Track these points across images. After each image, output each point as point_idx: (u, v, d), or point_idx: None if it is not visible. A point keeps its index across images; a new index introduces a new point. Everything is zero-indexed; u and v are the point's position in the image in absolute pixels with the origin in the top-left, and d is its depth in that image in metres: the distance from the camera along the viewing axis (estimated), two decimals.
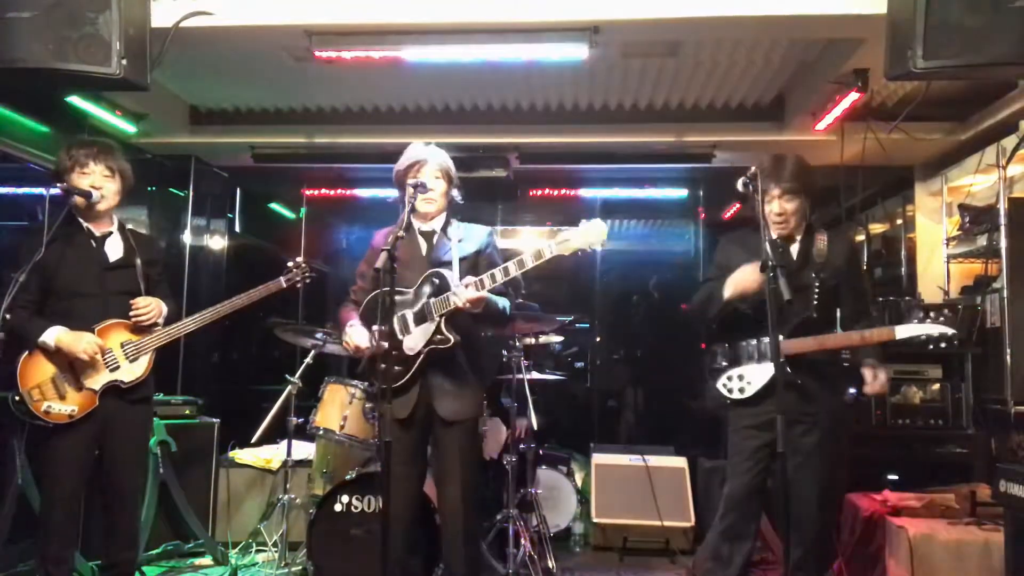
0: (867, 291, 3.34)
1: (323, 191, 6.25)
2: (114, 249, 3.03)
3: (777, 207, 2.93)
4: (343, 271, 6.82)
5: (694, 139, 4.88)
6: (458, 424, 2.87)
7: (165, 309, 3.09)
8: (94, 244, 2.99)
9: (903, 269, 5.23)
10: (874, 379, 2.94)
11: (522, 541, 3.88)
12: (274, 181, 6.38)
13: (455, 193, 3.02)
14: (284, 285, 3.37)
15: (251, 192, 6.48)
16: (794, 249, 3.02)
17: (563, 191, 6.12)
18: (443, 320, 2.79)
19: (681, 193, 6.16)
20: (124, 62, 2.89)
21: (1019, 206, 3.80)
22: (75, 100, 4.23)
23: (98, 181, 2.94)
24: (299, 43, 3.45)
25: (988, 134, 4.21)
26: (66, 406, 2.85)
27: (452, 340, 2.79)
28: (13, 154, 4.19)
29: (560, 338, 4.95)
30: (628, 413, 6.75)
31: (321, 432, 3.87)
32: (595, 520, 4.61)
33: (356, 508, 3.50)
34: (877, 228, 5.76)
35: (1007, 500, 2.69)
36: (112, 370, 2.92)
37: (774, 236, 2.96)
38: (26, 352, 2.85)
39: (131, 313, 2.96)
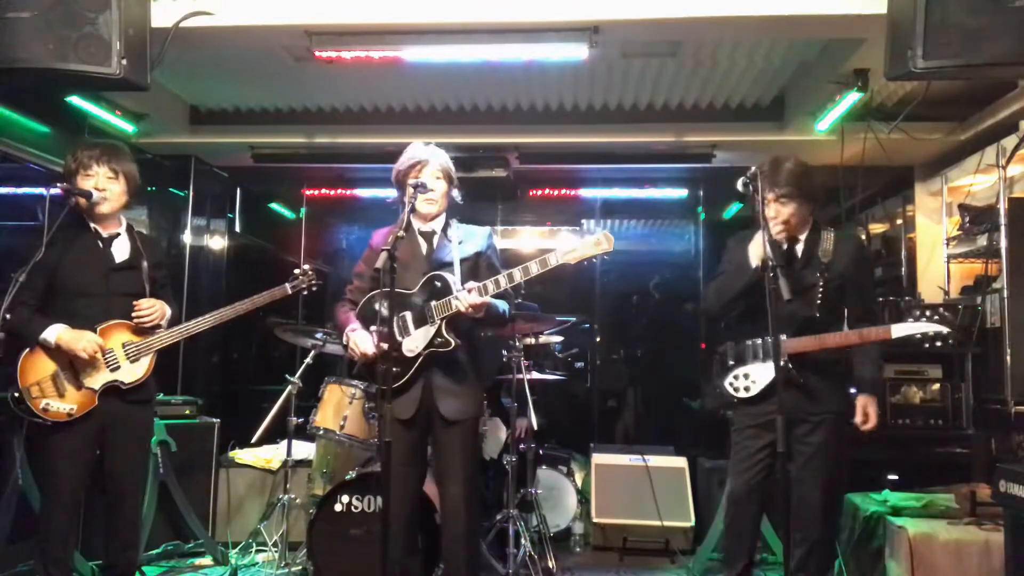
0: (873, 296, 3.35)
1: (323, 191, 6.25)
2: (121, 250, 3.03)
3: (773, 211, 2.93)
4: (343, 271, 6.81)
5: (694, 139, 4.88)
6: (459, 424, 2.86)
7: (169, 312, 3.09)
8: (101, 245, 2.99)
9: (903, 269, 5.23)
10: (864, 419, 2.98)
11: (522, 541, 3.89)
12: (274, 181, 6.39)
13: (455, 194, 3.02)
14: (289, 292, 3.35)
15: (251, 192, 6.49)
16: (798, 248, 3.02)
17: (563, 191, 6.12)
18: (444, 323, 2.79)
19: (681, 193, 6.16)
20: (124, 62, 2.89)
21: (1019, 206, 3.80)
22: (75, 100, 4.23)
23: (101, 183, 2.94)
24: (299, 43, 3.45)
25: (988, 134, 4.21)
26: (65, 404, 2.85)
27: (453, 343, 2.79)
28: (13, 154, 4.19)
29: (560, 338, 4.94)
30: (628, 413, 6.75)
31: (321, 432, 3.87)
32: (595, 520, 4.61)
33: (356, 508, 3.50)
34: (877, 228, 5.76)
35: (1007, 500, 2.68)
36: (113, 370, 2.92)
37: (775, 236, 2.97)
38: (27, 349, 2.85)
39: (134, 315, 2.96)
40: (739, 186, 2.75)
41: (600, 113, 4.93)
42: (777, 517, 3.16)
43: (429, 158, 2.93)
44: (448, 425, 2.85)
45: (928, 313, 2.82)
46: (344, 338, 2.91)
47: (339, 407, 3.86)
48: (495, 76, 4.39)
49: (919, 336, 2.79)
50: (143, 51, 3.04)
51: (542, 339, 4.63)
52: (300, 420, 4.01)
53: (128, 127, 4.65)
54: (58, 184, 2.96)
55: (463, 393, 2.88)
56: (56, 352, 2.85)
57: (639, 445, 5.28)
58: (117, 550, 3.01)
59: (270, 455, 4.63)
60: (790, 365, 2.87)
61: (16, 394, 2.81)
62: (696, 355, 6.20)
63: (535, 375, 4.33)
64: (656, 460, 4.72)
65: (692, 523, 4.52)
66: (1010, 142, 3.88)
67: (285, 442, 4.12)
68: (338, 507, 3.50)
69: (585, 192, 6.21)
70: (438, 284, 2.84)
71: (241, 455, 4.67)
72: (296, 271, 3.44)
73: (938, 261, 4.72)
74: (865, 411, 2.98)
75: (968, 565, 3.07)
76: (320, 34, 3.37)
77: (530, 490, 4.17)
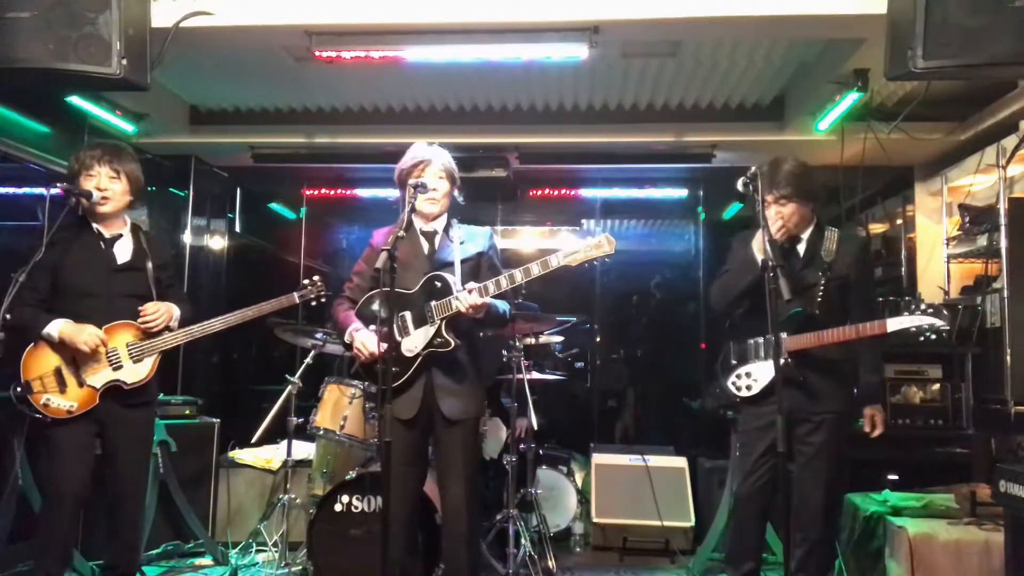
0: (874, 295, 3.36)
1: (323, 191, 6.25)
2: (123, 251, 3.03)
3: (774, 212, 2.94)
4: (343, 271, 6.81)
5: (694, 139, 4.88)
6: (460, 423, 2.86)
7: (177, 313, 3.08)
8: (103, 245, 2.99)
9: (903, 269, 5.23)
10: (872, 428, 3.02)
11: (522, 541, 3.89)
12: (274, 181, 6.38)
13: (457, 194, 3.02)
14: (297, 301, 3.36)
15: (251, 192, 6.48)
16: (800, 247, 3.03)
17: (563, 191, 6.12)
18: (443, 323, 2.78)
19: (681, 193, 6.16)
20: (124, 62, 2.89)
21: (1019, 206, 3.80)
22: (75, 100, 4.23)
23: (103, 183, 2.94)
24: (299, 43, 3.45)
25: (988, 134, 4.21)
26: (66, 401, 2.84)
27: (452, 344, 2.79)
28: (13, 154, 4.19)
29: (560, 338, 4.94)
30: (628, 413, 6.75)
31: (321, 432, 3.87)
32: (595, 520, 4.61)
33: (356, 508, 3.50)
34: (877, 228, 5.76)
35: (1007, 500, 2.69)
36: (115, 369, 2.92)
37: (775, 236, 2.97)
38: (31, 344, 2.85)
39: (140, 320, 2.97)
40: (739, 186, 2.75)
41: (600, 113, 4.93)
42: (777, 517, 3.16)
43: (432, 158, 2.93)
44: (450, 425, 2.85)
45: (923, 306, 2.81)
46: (347, 337, 2.90)
47: (339, 407, 3.86)
48: (495, 76, 4.39)
49: (914, 329, 2.79)
50: (143, 51, 3.04)
51: (542, 339, 4.63)
52: (300, 420, 4.02)
53: (128, 127, 4.65)
54: (58, 184, 2.97)
55: (464, 393, 2.88)
56: (59, 347, 2.85)
57: (639, 445, 5.28)
58: (118, 551, 3.01)
59: (270, 455, 4.64)
60: (790, 362, 2.87)
61: (18, 388, 2.81)
62: (696, 355, 6.20)
63: (535, 375, 4.33)
64: (656, 460, 4.72)
65: (692, 523, 4.52)
66: (1010, 142, 3.88)
67: (285, 442, 4.12)
68: (338, 507, 3.50)
69: (585, 192, 6.21)
70: (438, 284, 2.84)
71: (241, 455, 4.67)
72: (305, 281, 3.46)
73: (938, 261, 4.72)
74: (873, 421, 3.03)
75: (968, 565, 3.07)
76: (320, 34, 3.37)
77: (530, 490, 4.17)
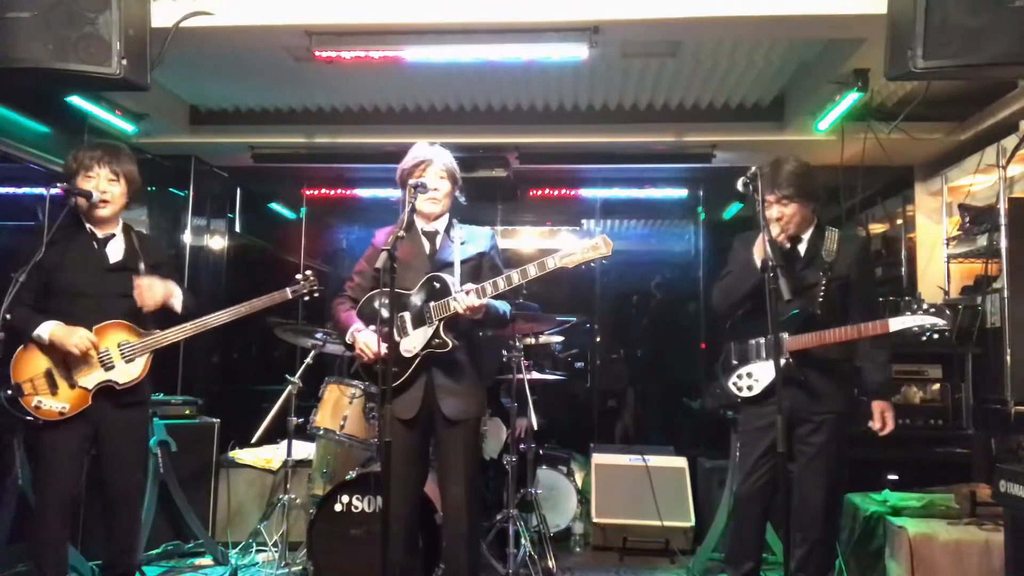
0: (875, 295, 3.36)
1: (323, 191, 6.25)
2: (116, 251, 3.01)
3: (776, 212, 2.95)
4: (343, 271, 6.81)
5: (694, 139, 4.88)
6: (461, 424, 2.86)
7: (178, 291, 3.03)
8: (96, 246, 2.98)
9: (903, 269, 5.23)
10: (882, 425, 2.99)
11: (522, 541, 3.89)
12: (274, 181, 6.39)
13: (458, 194, 3.02)
14: (290, 296, 3.29)
15: (251, 192, 6.49)
16: (801, 248, 3.03)
17: (563, 191, 6.12)
18: (442, 324, 2.78)
19: (681, 193, 6.16)
20: (124, 62, 2.89)
21: (1019, 206, 3.80)
22: (75, 100, 4.23)
23: (103, 185, 2.93)
24: (299, 43, 3.45)
25: (988, 134, 4.21)
26: (57, 403, 2.83)
27: (450, 344, 2.79)
28: (13, 154, 4.19)
29: (560, 338, 4.95)
30: (628, 413, 6.75)
31: (321, 432, 3.87)
32: (595, 520, 4.61)
33: (356, 508, 3.50)
34: (877, 228, 5.76)
35: (1007, 500, 2.69)
36: (107, 369, 2.90)
37: (776, 237, 2.99)
38: (21, 345, 2.83)
39: (135, 293, 2.91)
40: (739, 186, 2.75)
41: (600, 113, 4.93)
42: (777, 517, 3.16)
43: (433, 158, 2.93)
44: (450, 425, 2.85)
45: (925, 306, 2.81)
46: (348, 337, 2.90)
47: (339, 407, 3.86)
48: (495, 76, 4.39)
49: (916, 329, 2.79)
50: (143, 51, 3.04)
51: (542, 339, 4.63)
52: (300, 420, 4.01)
53: (128, 127, 4.65)
54: (58, 184, 2.95)
55: (465, 393, 2.88)
56: (50, 349, 2.83)
57: (639, 445, 5.28)
58: (117, 551, 2.99)
59: (270, 455, 4.64)
60: (791, 361, 2.87)
61: (8, 391, 2.78)
62: (696, 355, 6.20)
63: (535, 375, 4.33)
64: (656, 460, 4.72)
65: (692, 523, 4.53)
66: (1010, 142, 3.88)
67: (285, 442, 4.12)
68: (338, 507, 3.50)
69: (585, 192, 6.21)
70: (437, 285, 2.84)
71: (241, 455, 4.67)
72: (297, 276, 3.37)
73: (938, 261, 4.72)
74: (883, 416, 3.00)
75: (968, 565, 3.07)
76: (320, 34, 3.37)
77: (530, 490, 4.17)
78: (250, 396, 5.73)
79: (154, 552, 4.13)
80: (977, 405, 4.02)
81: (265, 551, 4.22)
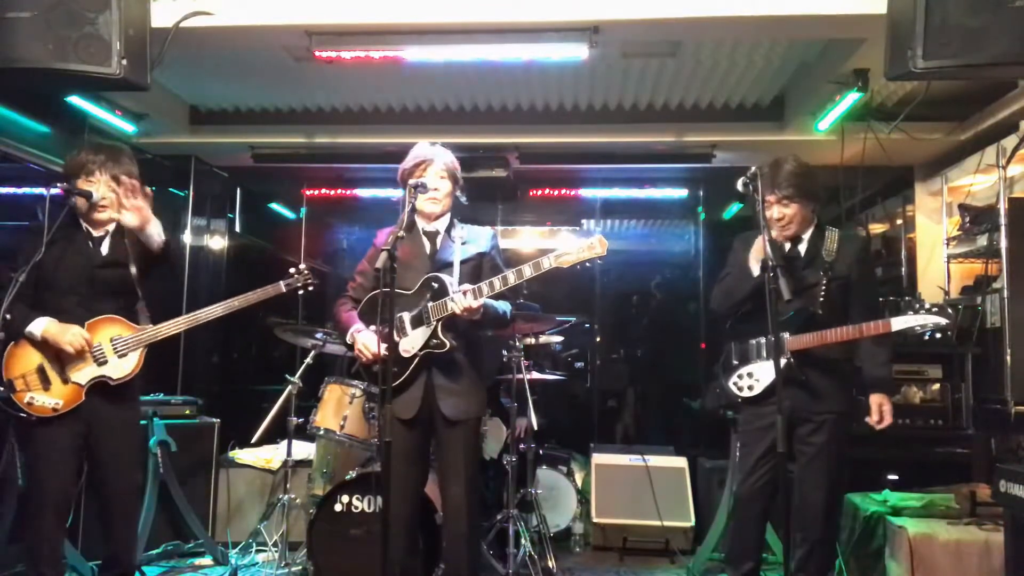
0: (875, 295, 3.36)
1: (323, 191, 6.25)
2: (107, 248, 2.98)
3: (776, 212, 2.96)
4: (343, 271, 6.82)
5: (694, 139, 4.88)
6: (461, 424, 2.86)
7: (158, 223, 2.92)
8: (91, 244, 2.96)
9: (903, 269, 5.23)
10: (879, 418, 2.98)
11: (522, 541, 3.89)
12: (274, 181, 6.39)
13: (459, 194, 3.02)
14: (284, 290, 3.25)
15: (251, 192, 6.49)
16: (802, 247, 3.03)
17: (563, 191, 6.12)
18: (440, 324, 2.78)
19: (681, 193, 6.16)
20: (124, 62, 2.89)
21: (1019, 206, 3.80)
22: (75, 100, 4.23)
23: (103, 189, 2.90)
24: (299, 43, 3.45)
25: (988, 134, 4.21)
26: (50, 399, 2.81)
27: (448, 345, 2.78)
28: (13, 154, 4.19)
29: (560, 338, 4.95)
30: (628, 413, 6.75)
31: (321, 432, 3.87)
32: (595, 520, 4.61)
33: (356, 508, 3.50)
34: (877, 228, 5.76)
35: (1007, 500, 2.69)
36: (100, 364, 2.87)
37: (776, 237, 3.01)
38: (11, 342, 2.81)
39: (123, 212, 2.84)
40: (739, 186, 2.76)
41: (600, 113, 4.93)
42: (777, 517, 3.16)
43: (433, 157, 2.93)
44: (450, 425, 2.85)
45: (928, 305, 2.81)
46: (349, 338, 2.91)
47: (339, 407, 3.86)
48: (495, 76, 4.39)
49: (919, 328, 2.79)
50: (143, 51, 3.04)
51: (542, 339, 4.63)
52: (300, 420, 4.01)
53: (128, 127, 4.65)
54: (58, 184, 2.94)
55: (465, 393, 2.88)
56: (42, 345, 2.82)
57: (639, 445, 5.29)
58: (116, 550, 2.97)
59: (270, 455, 4.64)
60: (792, 361, 2.88)
61: (0, 387, 2.76)
62: (696, 355, 6.20)
63: (535, 375, 4.33)
64: (656, 460, 4.72)
65: (692, 523, 4.53)
66: (1010, 142, 3.88)
67: (285, 442, 4.12)
68: (338, 507, 3.50)
69: (585, 192, 6.21)
70: (435, 285, 2.84)
71: (241, 455, 4.67)
72: (291, 269, 3.33)
73: (938, 261, 4.72)
74: (881, 409, 2.98)
75: (968, 565, 3.07)
76: (320, 34, 3.37)
77: (530, 490, 4.17)
78: (250, 396, 5.73)
79: (154, 552, 4.13)
80: (977, 405, 4.02)
81: (265, 551, 4.22)
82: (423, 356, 2.82)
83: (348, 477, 3.62)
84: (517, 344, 4.10)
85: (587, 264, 2.71)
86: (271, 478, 4.57)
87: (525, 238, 6.94)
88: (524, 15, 3.26)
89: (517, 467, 3.99)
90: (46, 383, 2.83)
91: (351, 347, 2.92)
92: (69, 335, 2.80)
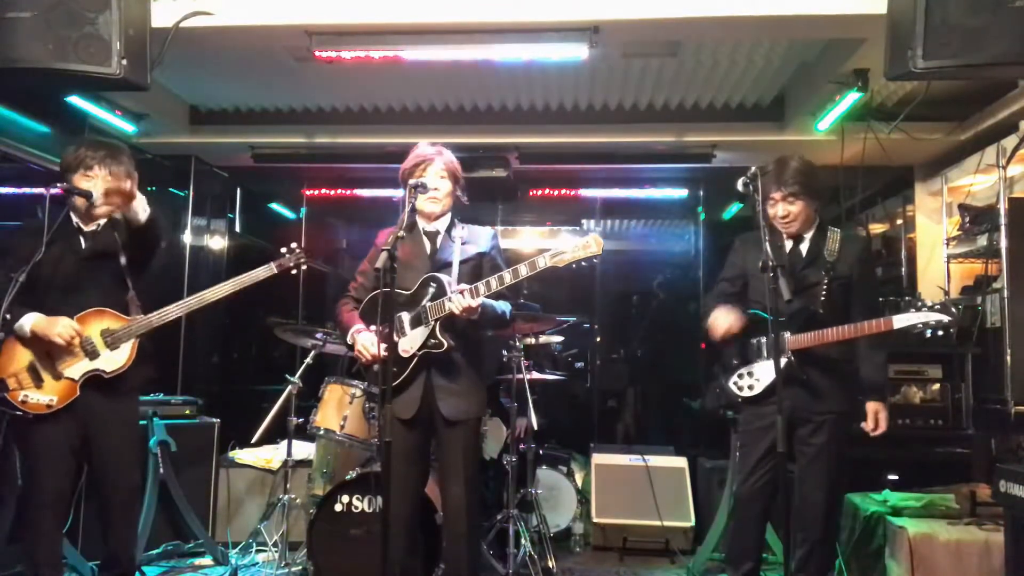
0: (876, 295, 3.37)
1: (323, 191, 6.25)
2: (97, 241, 2.96)
3: (781, 210, 2.96)
4: (343, 271, 6.82)
5: (694, 139, 4.89)
6: (461, 424, 2.86)
7: (143, 199, 2.88)
8: (82, 240, 2.94)
9: (903, 269, 5.23)
10: (875, 425, 2.99)
11: (522, 541, 3.88)
12: (274, 181, 6.39)
13: (460, 194, 3.02)
14: (275, 271, 3.15)
15: (251, 192, 6.49)
16: (803, 247, 3.04)
17: (563, 191, 6.12)
18: (438, 324, 2.78)
19: (681, 193, 6.16)
20: (124, 62, 2.89)
21: (1019, 206, 3.80)
22: (75, 100, 4.23)
23: (100, 186, 2.89)
24: (299, 43, 3.45)
25: (988, 134, 4.21)
26: (44, 395, 2.79)
27: (446, 345, 2.78)
28: (13, 154, 4.19)
29: (560, 338, 4.94)
30: (628, 413, 6.75)
31: (321, 432, 3.87)
32: (595, 520, 4.61)
33: (356, 508, 3.50)
34: (877, 228, 5.76)
35: (1007, 500, 2.69)
36: (92, 358, 2.86)
37: (783, 236, 3.03)
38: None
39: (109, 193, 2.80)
40: (739, 186, 2.76)
41: (600, 113, 4.93)
42: (778, 517, 3.16)
43: (434, 157, 2.93)
44: (450, 425, 2.85)
45: (930, 302, 2.81)
46: (349, 339, 2.91)
47: (339, 407, 3.86)
48: (495, 76, 4.39)
49: (921, 325, 2.78)
50: (143, 51, 3.04)
51: (542, 339, 4.63)
52: (300, 420, 4.01)
53: (128, 127, 4.65)
54: (59, 184, 2.92)
55: (464, 393, 2.88)
56: (32, 341, 2.80)
57: (639, 445, 5.28)
58: (115, 549, 2.96)
59: (270, 455, 4.63)
60: (793, 360, 2.88)
61: None
62: (696, 355, 6.20)
63: (535, 375, 4.33)
64: (656, 460, 4.72)
65: (692, 523, 4.52)
66: (1010, 142, 3.88)
67: (285, 442, 4.12)
68: (338, 507, 3.50)
69: (585, 192, 6.21)
70: (433, 285, 2.84)
71: (241, 455, 4.67)
72: (283, 249, 3.23)
73: (938, 261, 4.72)
74: (877, 417, 3.00)
75: (968, 565, 3.07)
76: (320, 34, 3.37)
77: (530, 490, 4.17)
78: (250, 396, 5.73)
79: (154, 552, 4.13)
80: (977, 405, 4.02)
81: (265, 551, 4.22)
82: (422, 356, 2.82)
83: (348, 477, 3.62)
84: (517, 344, 4.10)
85: (584, 263, 2.69)
86: (271, 478, 4.57)
87: (525, 238, 6.93)
88: (524, 15, 3.26)
89: (517, 467, 3.99)
90: (38, 380, 2.81)
91: (352, 347, 2.92)
92: (58, 327, 2.78)
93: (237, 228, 6.32)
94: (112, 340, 2.89)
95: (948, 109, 4.33)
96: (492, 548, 3.93)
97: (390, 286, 2.52)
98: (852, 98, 3.92)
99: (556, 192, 6.11)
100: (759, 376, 3.02)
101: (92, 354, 2.87)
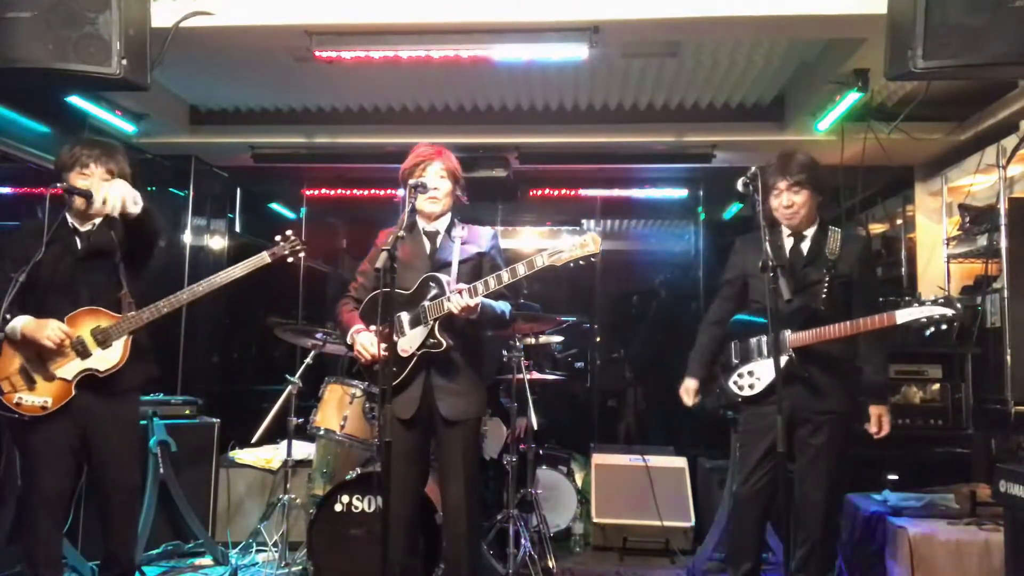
0: (877, 294, 3.37)
1: (323, 191, 6.25)
2: (91, 240, 2.95)
3: (786, 199, 2.97)
4: (343, 271, 6.82)
5: (694, 139, 4.88)
6: (461, 424, 2.86)
7: (134, 192, 2.80)
8: (77, 240, 2.93)
9: (903, 269, 5.23)
10: (879, 428, 3.00)
11: (522, 541, 3.88)
12: (274, 181, 6.39)
13: (460, 194, 3.02)
14: (269, 260, 3.09)
15: (251, 192, 6.49)
16: (804, 245, 3.04)
17: (563, 191, 6.12)
18: (437, 324, 2.78)
19: (681, 193, 6.16)
20: (124, 62, 2.89)
21: (1019, 206, 3.80)
22: (75, 100, 4.23)
23: (96, 184, 2.86)
24: (299, 43, 3.45)
25: (988, 134, 4.21)
26: (38, 397, 2.78)
27: (444, 344, 2.78)
28: (13, 154, 4.19)
29: (560, 338, 4.95)
30: (628, 413, 6.75)
31: (321, 432, 3.87)
32: (595, 520, 4.61)
33: (356, 508, 3.50)
34: (877, 228, 5.76)
35: (1007, 500, 2.69)
36: (84, 358, 2.84)
37: (785, 229, 3.05)
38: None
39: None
40: (739, 186, 2.76)
41: (600, 113, 4.92)
42: (778, 517, 3.16)
43: (434, 157, 2.93)
44: (450, 425, 2.85)
45: (933, 296, 2.80)
46: (349, 339, 2.91)
47: (339, 407, 3.86)
48: (495, 76, 4.39)
49: (924, 320, 2.77)
50: (143, 51, 3.03)
51: (542, 339, 4.63)
52: (300, 420, 4.01)
53: (128, 127, 4.65)
54: (58, 184, 2.91)
55: (464, 393, 2.88)
56: (22, 344, 2.79)
57: (639, 445, 5.28)
58: (114, 550, 2.95)
59: (270, 455, 4.63)
60: (794, 358, 2.88)
61: None
62: None
63: (535, 375, 4.33)
64: (656, 460, 4.72)
65: (692, 523, 4.53)
66: (1010, 142, 3.88)
67: (285, 442, 4.12)
68: (338, 507, 3.50)
69: (585, 192, 6.20)
70: (432, 285, 2.84)
71: (241, 455, 4.67)
72: (277, 237, 3.16)
73: (938, 261, 4.72)
74: (880, 421, 3.01)
75: (968, 565, 3.07)
76: (320, 34, 3.37)
77: (530, 490, 4.17)
78: (250, 396, 5.73)
79: (154, 552, 4.13)
80: (977, 405, 4.02)
81: (265, 551, 4.22)
82: (421, 356, 2.82)
83: (348, 477, 3.62)
84: (517, 344, 4.10)
85: (582, 263, 2.69)
86: (271, 478, 4.57)
87: (525, 238, 6.93)
88: (524, 15, 3.26)
89: (517, 467, 3.99)
90: (31, 382, 2.80)
91: (351, 347, 2.92)
92: (47, 330, 2.77)
93: (237, 228, 6.32)
94: (103, 338, 2.87)
95: (948, 109, 4.33)
96: (492, 548, 3.93)
97: (390, 286, 2.52)
98: (852, 98, 3.92)
99: (556, 192, 6.11)
100: (759, 375, 3.02)
101: (83, 353, 2.85)
